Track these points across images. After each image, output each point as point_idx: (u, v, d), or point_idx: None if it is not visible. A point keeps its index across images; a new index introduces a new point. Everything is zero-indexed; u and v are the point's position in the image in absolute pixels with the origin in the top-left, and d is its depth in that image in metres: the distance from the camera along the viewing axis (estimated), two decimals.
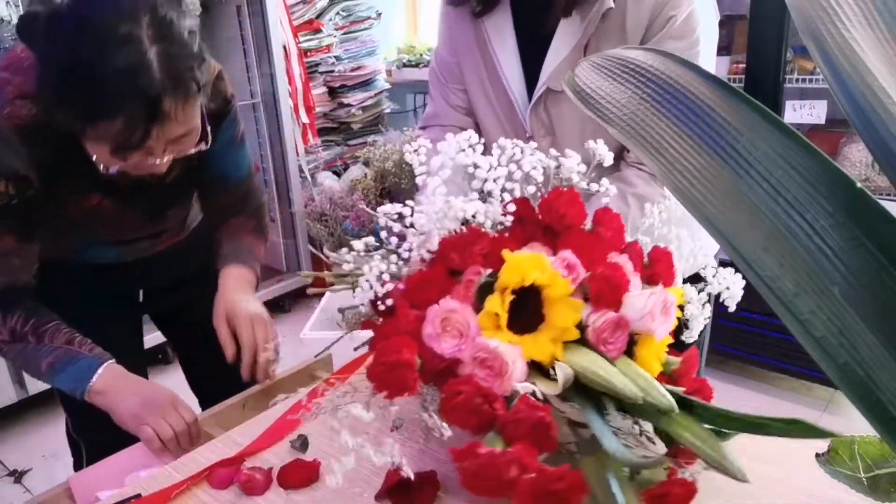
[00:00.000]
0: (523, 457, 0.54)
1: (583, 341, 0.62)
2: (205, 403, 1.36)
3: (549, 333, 0.60)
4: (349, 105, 3.29)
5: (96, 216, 1.06)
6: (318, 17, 3.17)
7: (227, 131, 1.14)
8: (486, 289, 0.62)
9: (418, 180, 0.72)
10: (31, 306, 1.05)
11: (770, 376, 2.33)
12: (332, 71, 3.24)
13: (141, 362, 1.37)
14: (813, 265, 0.29)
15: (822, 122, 2.12)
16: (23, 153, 0.94)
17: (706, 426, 0.60)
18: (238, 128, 1.18)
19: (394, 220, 0.71)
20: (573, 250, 0.65)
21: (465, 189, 0.71)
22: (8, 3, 2.37)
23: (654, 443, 0.66)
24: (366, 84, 3.34)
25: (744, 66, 2.15)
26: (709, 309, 0.76)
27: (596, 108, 0.38)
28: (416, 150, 0.73)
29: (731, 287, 0.74)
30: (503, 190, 0.71)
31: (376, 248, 0.74)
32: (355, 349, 0.91)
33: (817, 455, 0.51)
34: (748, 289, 0.31)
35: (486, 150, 0.71)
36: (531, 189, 0.71)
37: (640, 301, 0.61)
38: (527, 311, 0.61)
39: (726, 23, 2.22)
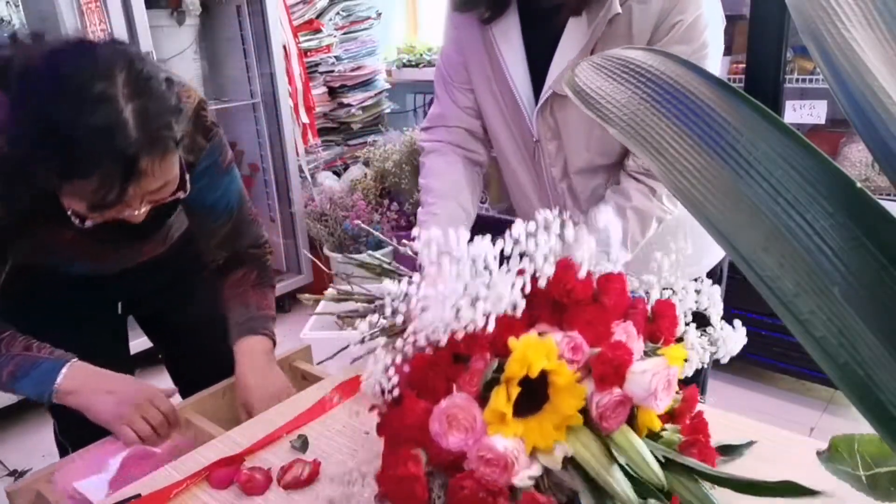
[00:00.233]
0: None
1: (584, 414, 0.62)
2: None
3: (553, 419, 0.61)
4: (349, 105, 3.29)
5: (72, 245, 1.04)
6: (318, 17, 3.16)
7: (209, 158, 1.10)
8: (493, 381, 0.62)
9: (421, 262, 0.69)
10: None
11: (770, 376, 2.33)
12: (332, 71, 3.24)
13: (127, 366, 1.36)
14: (813, 265, 0.29)
15: (822, 122, 2.12)
16: None
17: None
18: (222, 155, 1.13)
19: (398, 300, 0.69)
20: (579, 328, 0.65)
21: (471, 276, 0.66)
22: (8, 3, 2.37)
23: None
24: (366, 84, 3.34)
25: (744, 66, 2.15)
26: (708, 356, 0.76)
27: (596, 108, 0.38)
28: (418, 239, 0.69)
29: (731, 343, 0.75)
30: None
31: (375, 313, 0.71)
32: (352, 362, 0.91)
33: (818, 453, 0.51)
34: (748, 289, 0.31)
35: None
36: (541, 264, 0.67)
37: (644, 379, 0.62)
38: (532, 390, 0.62)
39: (726, 23, 2.21)
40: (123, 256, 1.18)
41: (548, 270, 0.66)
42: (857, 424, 0.29)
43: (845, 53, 0.33)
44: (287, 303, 3.16)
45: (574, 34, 1.01)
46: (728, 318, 0.76)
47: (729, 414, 0.91)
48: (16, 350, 1.02)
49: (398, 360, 0.65)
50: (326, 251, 3.01)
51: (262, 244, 1.25)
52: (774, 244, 0.30)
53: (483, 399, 0.62)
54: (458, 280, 0.63)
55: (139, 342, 1.48)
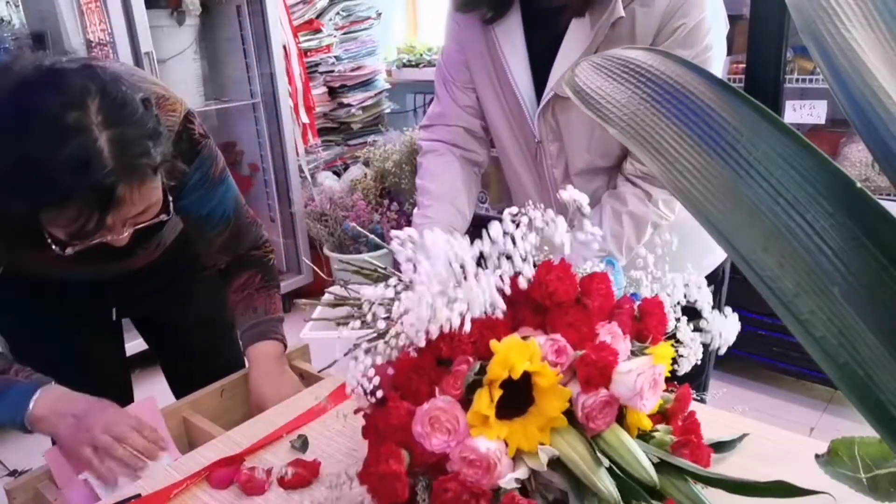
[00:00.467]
0: None
1: (570, 415, 0.62)
2: None
3: (538, 421, 0.61)
4: (349, 105, 3.29)
5: (57, 262, 0.99)
6: (318, 17, 3.16)
7: (199, 170, 1.08)
8: (476, 383, 0.62)
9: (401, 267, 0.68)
10: None
11: (770, 376, 2.33)
12: (332, 71, 3.24)
13: (122, 367, 1.35)
14: (813, 265, 0.29)
15: (822, 122, 2.12)
16: None
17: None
18: (214, 166, 1.10)
19: (383, 304, 0.69)
20: (562, 331, 0.65)
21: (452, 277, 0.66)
22: (8, 3, 2.37)
23: None
24: (366, 84, 3.34)
25: (744, 66, 2.15)
26: (701, 348, 0.76)
27: (596, 107, 0.38)
28: (401, 241, 0.67)
29: (725, 333, 0.75)
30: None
31: (358, 319, 0.71)
32: (330, 365, 0.91)
33: (817, 456, 0.51)
34: (748, 289, 0.31)
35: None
36: (521, 266, 0.67)
37: (629, 379, 0.61)
38: (516, 392, 0.61)
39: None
40: (115, 268, 1.17)
41: (527, 271, 0.66)
42: (858, 424, 0.29)
43: (845, 53, 0.33)
44: (287, 303, 3.16)
45: (577, 35, 1.01)
46: None
47: (728, 413, 0.91)
48: None
49: (378, 361, 0.65)
50: (326, 251, 3.01)
51: (262, 245, 1.24)
52: (774, 244, 0.30)
53: (467, 401, 0.62)
54: (432, 280, 0.63)
55: (135, 343, 1.48)
